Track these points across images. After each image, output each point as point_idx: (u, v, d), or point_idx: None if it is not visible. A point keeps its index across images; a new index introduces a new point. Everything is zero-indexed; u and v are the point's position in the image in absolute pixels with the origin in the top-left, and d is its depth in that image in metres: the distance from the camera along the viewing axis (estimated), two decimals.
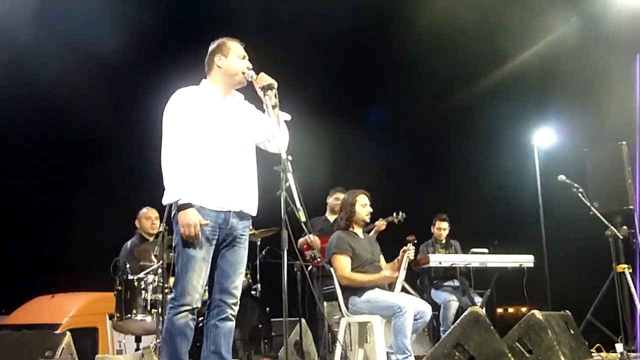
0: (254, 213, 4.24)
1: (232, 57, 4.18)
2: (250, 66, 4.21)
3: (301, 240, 7.00)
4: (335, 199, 7.56)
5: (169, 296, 4.09)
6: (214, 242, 4.03)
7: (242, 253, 4.17)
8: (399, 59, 10.60)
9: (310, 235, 6.95)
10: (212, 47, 4.26)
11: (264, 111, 4.23)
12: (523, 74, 10.60)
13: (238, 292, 4.14)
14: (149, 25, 8.50)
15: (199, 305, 3.97)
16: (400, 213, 7.77)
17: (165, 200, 3.96)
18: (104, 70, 8.55)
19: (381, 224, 7.51)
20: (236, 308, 4.13)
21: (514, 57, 10.63)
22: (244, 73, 4.17)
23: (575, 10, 9.80)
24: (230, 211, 4.05)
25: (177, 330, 3.92)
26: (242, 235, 4.15)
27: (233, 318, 4.12)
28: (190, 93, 4.11)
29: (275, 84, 4.15)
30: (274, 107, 4.14)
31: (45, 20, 7.97)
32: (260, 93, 4.16)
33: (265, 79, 4.14)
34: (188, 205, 3.88)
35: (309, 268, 6.85)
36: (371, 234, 7.21)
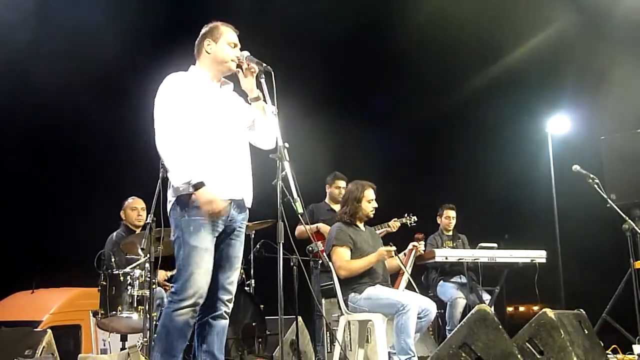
0: (250, 204, 4.24)
1: (221, 44, 4.20)
2: (239, 56, 4.23)
3: (300, 228, 6.97)
4: (336, 187, 7.55)
5: (169, 290, 4.06)
6: (216, 233, 4.02)
7: (239, 246, 4.18)
8: (403, 48, 10.57)
9: (307, 227, 6.94)
10: (203, 30, 4.27)
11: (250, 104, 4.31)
12: (536, 59, 10.58)
13: (233, 288, 4.16)
14: (143, 23, 8.52)
15: (202, 301, 3.94)
16: (412, 215, 7.75)
17: (175, 183, 3.93)
18: (93, 68, 8.54)
19: (395, 224, 7.50)
20: (231, 305, 4.14)
21: (527, 42, 10.60)
22: (237, 59, 4.20)
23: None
24: (231, 200, 4.05)
25: (175, 328, 3.88)
26: (240, 227, 4.17)
27: (227, 316, 4.13)
28: (183, 78, 4.12)
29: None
30: (259, 98, 4.25)
31: (34, 20, 8.01)
32: (248, 83, 4.24)
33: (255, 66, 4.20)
34: (201, 184, 3.87)
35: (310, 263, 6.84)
36: (380, 232, 7.21)
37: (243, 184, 4.16)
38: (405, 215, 7.74)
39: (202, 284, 3.90)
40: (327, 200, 7.70)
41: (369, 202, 6.06)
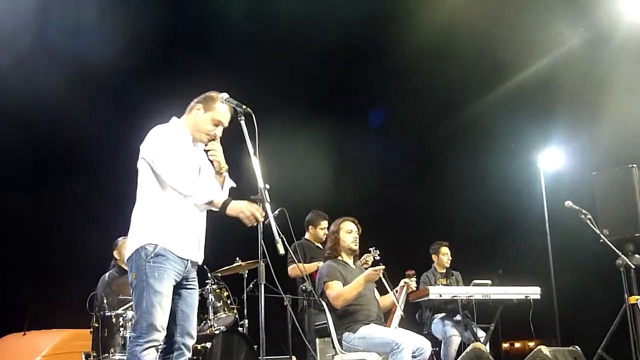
0: (200, 262, 4.46)
1: (208, 117, 4.37)
2: (218, 136, 4.39)
3: (295, 267, 6.94)
4: (321, 228, 7.51)
5: (131, 334, 4.15)
6: (174, 282, 4.20)
7: (196, 295, 4.42)
8: (400, 66, 10.62)
9: (310, 265, 6.95)
10: (204, 94, 4.45)
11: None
12: (527, 90, 10.63)
13: (195, 333, 4.36)
14: (141, 38, 8.55)
15: (162, 342, 4.10)
16: (375, 250, 7.58)
17: (198, 202, 4.11)
18: (89, 81, 8.59)
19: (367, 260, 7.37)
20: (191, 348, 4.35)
21: (518, 73, 10.67)
22: (212, 136, 4.37)
23: (582, 24, 9.87)
24: (189, 260, 4.27)
25: None
26: (194, 277, 4.41)
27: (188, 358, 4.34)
28: (169, 131, 4.31)
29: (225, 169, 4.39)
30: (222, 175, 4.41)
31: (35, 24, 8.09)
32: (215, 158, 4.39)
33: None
34: (226, 201, 4.09)
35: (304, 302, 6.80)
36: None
37: (200, 247, 4.37)
38: (370, 250, 7.59)
39: (164, 325, 4.08)
40: (308, 237, 7.60)
41: (348, 233, 6.13)
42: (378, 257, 7.05)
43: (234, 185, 4.46)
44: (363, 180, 11.15)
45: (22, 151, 8.68)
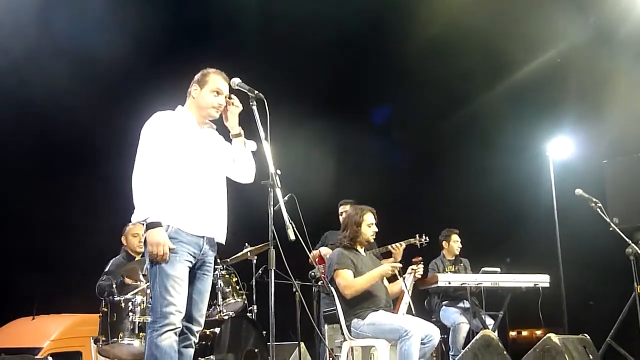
0: (223, 241, 4.44)
1: (205, 91, 4.40)
2: (223, 103, 4.41)
3: (315, 253, 6.99)
4: (344, 211, 7.53)
5: (149, 319, 4.17)
6: (190, 265, 4.20)
7: (209, 281, 4.40)
8: (406, 62, 10.62)
9: (314, 251, 6.95)
10: (196, 75, 4.47)
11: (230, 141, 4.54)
12: (538, 80, 10.59)
13: (203, 320, 4.36)
14: (145, 33, 8.56)
15: (181, 325, 4.10)
16: (423, 236, 7.60)
17: (134, 219, 4.09)
18: (95, 76, 8.60)
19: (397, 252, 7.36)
20: (198, 335, 4.34)
21: (528, 63, 10.63)
22: (218, 106, 4.40)
23: (593, 15, 9.81)
24: (204, 237, 4.27)
25: (162, 352, 4.00)
26: (210, 262, 4.39)
27: (194, 345, 4.32)
28: (168, 117, 4.34)
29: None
30: (240, 135, 4.50)
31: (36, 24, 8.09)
32: (230, 120, 4.47)
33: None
34: (157, 224, 4.04)
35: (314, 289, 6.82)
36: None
37: (217, 223, 4.36)
38: (417, 236, 7.58)
39: (180, 310, 4.08)
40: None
41: (369, 226, 6.08)
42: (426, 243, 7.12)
43: (254, 148, 4.47)
44: (369, 171, 11.13)
45: (27, 141, 8.69)
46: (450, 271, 8.14)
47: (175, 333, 4.05)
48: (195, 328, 4.29)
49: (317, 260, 7.22)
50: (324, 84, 10.68)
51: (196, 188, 4.23)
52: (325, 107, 10.50)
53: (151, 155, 4.14)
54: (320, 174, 9.47)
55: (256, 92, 4.32)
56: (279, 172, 4.15)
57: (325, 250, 7.26)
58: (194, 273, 4.26)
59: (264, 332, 6.57)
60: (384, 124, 12.16)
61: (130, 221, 4.43)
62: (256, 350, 6.40)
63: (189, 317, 4.22)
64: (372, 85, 11.48)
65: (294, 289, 6.26)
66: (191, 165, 4.25)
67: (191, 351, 4.28)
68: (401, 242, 7.36)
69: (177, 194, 4.16)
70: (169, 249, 4.03)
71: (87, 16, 8.37)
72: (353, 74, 11.16)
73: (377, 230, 6.15)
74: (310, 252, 6.33)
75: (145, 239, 4.06)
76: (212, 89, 4.38)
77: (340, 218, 7.60)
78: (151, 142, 4.18)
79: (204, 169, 4.32)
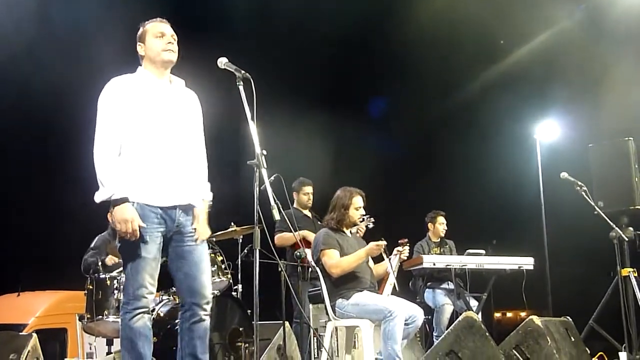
0: (199, 204, 4.19)
1: (149, 40, 4.18)
2: (173, 42, 4.20)
3: (282, 236, 7.00)
4: (304, 193, 7.52)
5: (122, 301, 4.07)
6: (161, 240, 4.03)
7: (200, 250, 4.16)
8: (398, 53, 10.64)
9: (295, 233, 6.94)
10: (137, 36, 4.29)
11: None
12: (525, 65, 10.64)
13: (208, 292, 4.14)
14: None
15: (153, 305, 3.98)
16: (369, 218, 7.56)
17: (97, 198, 3.92)
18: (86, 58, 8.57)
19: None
20: (209, 307, 4.13)
21: (516, 49, 10.67)
22: (167, 46, 4.16)
23: (583, 2, 9.83)
24: (176, 206, 4.05)
25: (136, 333, 3.92)
26: (190, 231, 4.13)
27: (207, 317, 4.13)
28: (124, 81, 4.10)
29: None
30: None
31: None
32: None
33: None
34: (123, 200, 3.86)
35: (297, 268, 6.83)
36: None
37: (189, 187, 4.12)
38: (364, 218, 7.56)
39: (151, 290, 3.97)
40: (296, 206, 7.62)
41: (357, 210, 6.08)
42: (372, 225, 7.03)
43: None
44: (362, 159, 11.15)
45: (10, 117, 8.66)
46: (435, 253, 8.17)
47: (147, 313, 3.95)
48: (201, 301, 4.06)
49: (302, 242, 7.22)
50: (321, 78, 10.69)
51: (161, 153, 4.01)
52: (322, 100, 10.49)
53: (109, 127, 3.94)
54: (318, 166, 9.46)
55: (243, 72, 4.20)
56: (264, 152, 4.11)
57: (308, 234, 7.26)
58: (176, 247, 4.09)
59: (249, 311, 6.60)
60: (379, 115, 12.20)
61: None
62: (241, 328, 6.41)
63: (192, 293, 4.06)
64: (364, 76, 11.49)
65: (279, 269, 6.27)
66: (152, 130, 4.02)
67: (203, 325, 4.09)
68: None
69: (139, 166, 3.95)
70: (139, 227, 3.88)
71: (86, 12, 8.33)
72: (348, 67, 11.14)
73: (364, 213, 6.15)
74: (295, 231, 6.39)
75: (112, 217, 3.91)
76: (154, 34, 4.14)
77: (297, 198, 7.60)
78: (108, 112, 3.97)
79: (168, 130, 4.07)
